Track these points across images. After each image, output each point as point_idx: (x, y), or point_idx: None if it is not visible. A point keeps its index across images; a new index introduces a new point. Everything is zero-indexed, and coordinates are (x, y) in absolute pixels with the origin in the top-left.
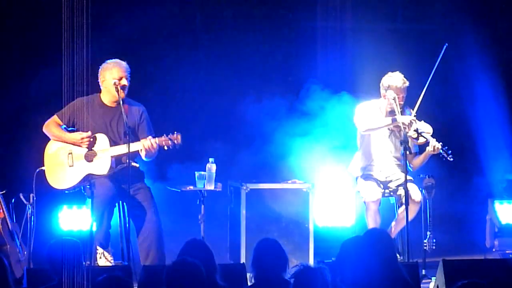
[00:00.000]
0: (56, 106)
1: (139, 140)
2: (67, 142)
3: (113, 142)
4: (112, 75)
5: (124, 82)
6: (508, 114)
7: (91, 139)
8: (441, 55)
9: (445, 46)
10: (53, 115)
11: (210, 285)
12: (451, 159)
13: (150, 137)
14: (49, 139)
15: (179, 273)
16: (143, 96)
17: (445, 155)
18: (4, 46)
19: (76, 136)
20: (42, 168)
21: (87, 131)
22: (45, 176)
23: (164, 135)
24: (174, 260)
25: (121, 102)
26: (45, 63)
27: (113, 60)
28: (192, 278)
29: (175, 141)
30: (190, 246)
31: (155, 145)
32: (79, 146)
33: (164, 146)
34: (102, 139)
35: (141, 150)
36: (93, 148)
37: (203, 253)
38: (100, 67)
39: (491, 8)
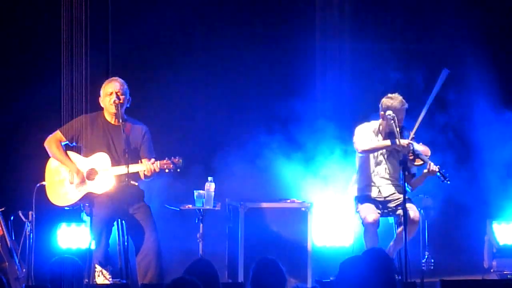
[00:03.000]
0: (55, 121)
1: (140, 159)
2: (64, 166)
3: (115, 161)
4: (104, 91)
5: (114, 97)
6: (508, 133)
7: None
8: (442, 81)
9: (447, 73)
10: (54, 130)
11: None
12: (448, 182)
13: (153, 159)
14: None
15: None
16: (140, 114)
17: (442, 177)
18: (3, 61)
19: (73, 168)
20: (43, 183)
21: (90, 149)
22: (45, 192)
23: (166, 158)
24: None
25: (121, 120)
26: (44, 79)
27: (108, 79)
28: None
29: (177, 165)
30: (195, 266)
31: (157, 169)
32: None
33: (165, 169)
34: (103, 158)
35: (142, 170)
36: (94, 167)
37: (208, 273)
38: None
39: (493, 29)
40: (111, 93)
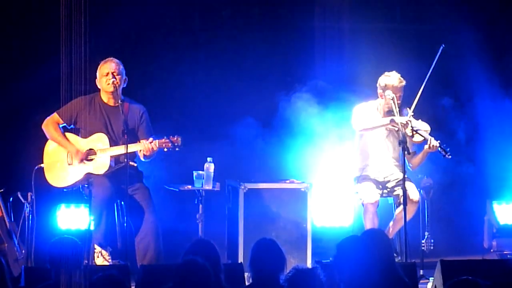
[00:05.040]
0: (54, 103)
1: (138, 140)
2: (63, 148)
3: (113, 142)
4: (100, 72)
5: (110, 77)
6: (508, 113)
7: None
8: (437, 56)
9: (441, 47)
10: (52, 112)
11: (216, 286)
12: (449, 157)
13: (151, 139)
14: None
15: (189, 273)
16: (140, 95)
17: (443, 152)
18: (2, 44)
19: (72, 149)
20: (41, 165)
21: (88, 131)
22: (44, 174)
23: (165, 137)
24: (182, 258)
25: (119, 102)
26: (43, 61)
27: (104, 60)
28: (200, 280)
29: (175, 144)
30: (197, 246)
31: (155, 148)
32: (74, 156)
33: (164, 148)
34: (102, 139)
35: (140, 151)
36: (92, 148)
37: (210, 253)
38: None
39: (489, 8)
40: (107, 73)
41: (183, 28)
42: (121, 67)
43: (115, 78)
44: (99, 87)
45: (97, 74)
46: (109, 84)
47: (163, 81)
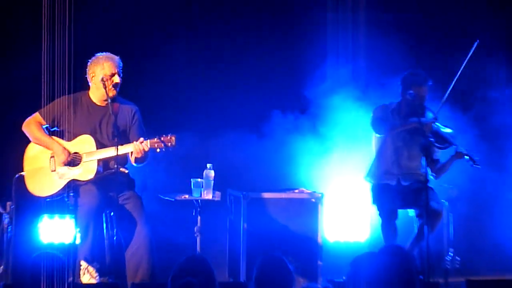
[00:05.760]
0: (35, 103)
1: (130, 142)
2: (47, 148)
3: (101, 145)
4: (104, 71)
5: (117, 79)
6: None
7: (73, 158)
8: (471, 53)
9: (476, 43)
10: (32, 113)
11: None
12: (478, 166)
13: (141, 138)
14: (29, 140)
15: None
16: (132, 93)
17: (471, 161)
18: None
19: (58, 148)
20: (22, 173)
21: (73, 133)
22: (25, 182)
23: (157, 136)
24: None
25: (109, 100)
26: (22, 55)
27: (105, 54)
28: None
29: (169, 144)
30: (189, 263)
31: (146, 148)
32: (58, 157)
33: (156, 149)
34: (88, 141)
35: (131, 153)
36: (78, 151)
37: (203, 271)
38: (90, 61)
39: None
40: (113, 74)
41: (180, 17)
42: (121, 65)
43: (119, 81)
44: (92, 84)
45: (97, 71)
46: (108, 86)
47: (157, 78)
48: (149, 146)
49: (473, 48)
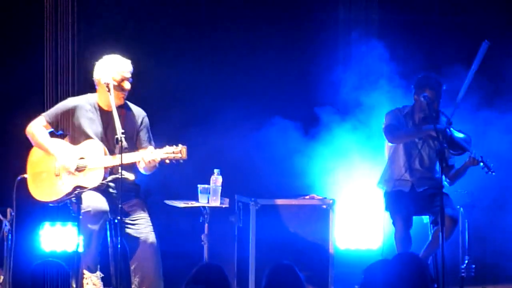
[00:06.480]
0: (37, 105)
1: (136, 149)
2: (51, 155)
3: (109, 151)
4: (113, 75)
5: (127, 86)
6: None
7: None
8: (482, 55)
9: (486, 45)
10: (36, 116)
11: None
12: (493, 174)
13: (151, 147)
14: (32, 144)
15: None
16: (136, 96)
17: (486, 168)
18: None
19: (62, 156)
20: (24, 175)
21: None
22: (27, 186)
23: (167, 146)
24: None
25: (114, 106)
26: (25, 57)
27: (115, 56)
28: None
29: (179, 156)
30: (203, 272)
31: (157, 159)
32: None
33: (165, 160)
34: (96, 146)
35: (139, 162)
36: (84, 157)
37: (218, 280)
38: (97, 63)
39: None
40: (122, 79)
41: (187, 19)
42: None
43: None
44: (99, 88)
45: (112, 72)
46: (111, 89)
47: (163, 81)
48: (160, 159)
49: (481, 49)
